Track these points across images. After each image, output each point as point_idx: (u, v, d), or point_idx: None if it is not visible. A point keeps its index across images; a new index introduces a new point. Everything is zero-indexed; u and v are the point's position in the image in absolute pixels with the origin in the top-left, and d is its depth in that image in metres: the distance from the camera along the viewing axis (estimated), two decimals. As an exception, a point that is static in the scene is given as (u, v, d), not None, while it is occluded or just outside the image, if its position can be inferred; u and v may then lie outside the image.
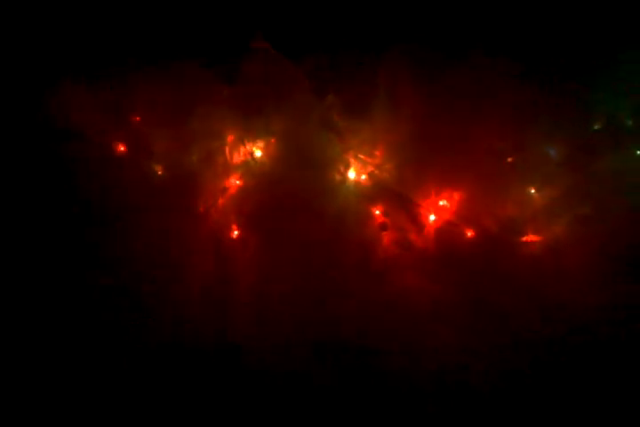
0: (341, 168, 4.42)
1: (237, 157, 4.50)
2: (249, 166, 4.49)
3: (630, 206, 4.01)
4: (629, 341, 3.93)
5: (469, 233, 4.22)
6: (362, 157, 4.45)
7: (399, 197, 4.29)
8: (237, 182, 4.47)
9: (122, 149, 4.53)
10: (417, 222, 4.20)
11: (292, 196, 4.24)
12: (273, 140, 4.48)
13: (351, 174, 4.44)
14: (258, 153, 4.56)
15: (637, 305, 3.97)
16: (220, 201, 4.40)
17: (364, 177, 4.44)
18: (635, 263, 4.02)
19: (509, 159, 4.29)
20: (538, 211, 4.16)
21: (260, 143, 4.53)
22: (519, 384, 3.89)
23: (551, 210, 4.12)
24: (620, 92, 4.28)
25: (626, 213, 3.99)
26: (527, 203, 4.17)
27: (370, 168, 4.43)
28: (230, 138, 4.50)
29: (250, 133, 4.51)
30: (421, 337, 4.00)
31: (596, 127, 4.23)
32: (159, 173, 4.44)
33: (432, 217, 4.27)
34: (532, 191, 4.23)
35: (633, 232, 3.99)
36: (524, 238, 4.17)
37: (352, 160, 4.45)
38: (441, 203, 4.30)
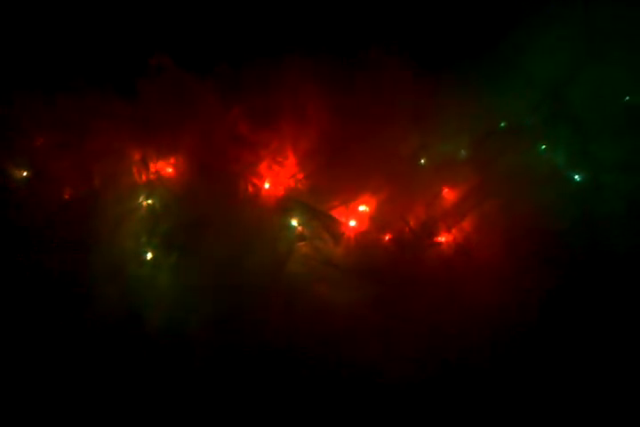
0: (255, 180, 4.34)
1: (145, 176, 4.36)
2: (159, 184, 4.35)
3: (535, 203, 4.07)
4: (543, 338, 4.01)
5: (387, 237, 4.20)
6: (275, 167, 4.38)
7: (315, 206, 4.21)
8: (148, 202, 4.34)
9: (21, 172, 4.36)
10: (334, 231, 4.14)
11: (206, 211, 4.15)
12: (182, 156, 4.38)
13: (266, 186, 4.36)
14: (168, 170, 4.43)
15: (548, 301, 4.04)
16: (129, 222, 4.26)
17: (278, 187, 4.35)
18: (543, 259, 4.08)
19: (417, 161, 4.32)
20: (448, 211, 4.20)
21: (170, 160, 4.41)
22: (438, 387, 3.95)
23: (460, 210, 4.17)
24: (518, 91, 4.36)
25: (531, 210, 4.05)
26: (437, 204, 4.20)
27: (284, 178, 4.36)
28: (136, 156, 4.37)
29: (157, 151, 4.39)
30: (340, 345, 3.99)
31: (497, 126, 4.28)
32: (61, 196, 4.32)
33: (350, 224, 4.23)
34: (443, 192, 4.25)
35: (539, 229, 4.06)
36: (437, 239, 4.19)
37: (265, 171, 4.38)
38: (357, 209, 4.26)
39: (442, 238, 4.21)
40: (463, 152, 4.30)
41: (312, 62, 4.35)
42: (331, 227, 4.11)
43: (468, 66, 4.42)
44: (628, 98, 4.46)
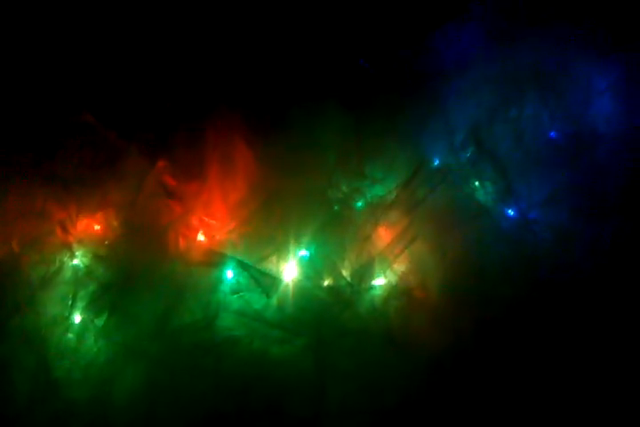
0: (186, 233, 4.24)
1: (70, 236, 4.21)
2: (85, 243, 4.23)
3: (466, 240, 4.12)
4: (483, 378, 4.00)
5: (323, 283, 4.15)
6: (206, 219, 4.30)
7: (247, 257, 4.13)
8: (73, 263, 4.20)
9: None
10: (265, 283, 4.05)
11: (135, 269, 4.04)
12: (108, 213, 4.27)
13: (198, 238, 4.28)
14: (95, 228, 4.31)
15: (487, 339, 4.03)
16: (53, 285, 4.10)
17: (209, 240, 4.26)
18: (480, 296, 4.08)
19: (345, 205, 4.31)
20: (383, 253, 4.18)
21: (96, 217, 4.30)
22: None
23: (393, 251, 4.16)
24: (442, 132, 4.46)
25: (462, 248, 4.10)
26: (371, 246, 4.18)
27: (215, 230, 4.28)
28: (62, 215, 4.23)
29: (82, 209, 4.28)
30: (274, 400, 3.91)
31: (423, 167, 4.31)
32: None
33: (285, 273, 4.17)
34: (377, 234, 4.24)
35: (469, 264, 4.08)
36: (373, 282, 4.16)
37: (195, 224, 4.29)
38: (292, 257, 4.20)
39: (377, 281, 4.16)
40: (393, 193, 4.29)
41: (239, 113, 4.35)
42: (262, 279, 4.02)
43: (391, 109, 4.51)
44: (551, 135, 4.60)
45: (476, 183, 4.45)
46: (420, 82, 4.65)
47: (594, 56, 4.61)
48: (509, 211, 4.44)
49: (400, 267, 4.18)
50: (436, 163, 4.43)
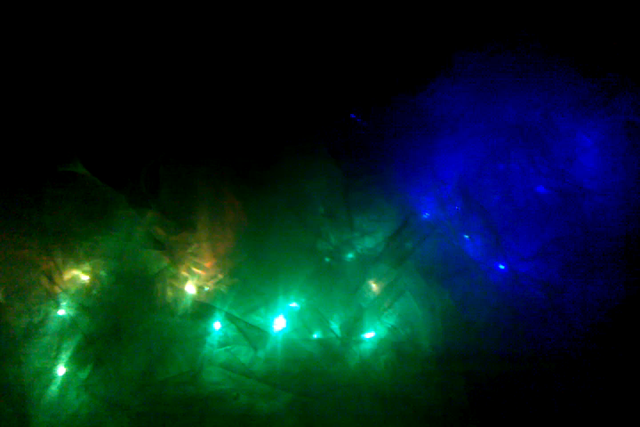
0: (175, 283, 4.19)
1: (56, 286, 4.11)
2: (72, 294, 4.13)
3: (454, 294, 4.17)
4: None
5: (313, 336, 4.11)
6: (195, 270, 4.26)
7: (235, 309, 4.10)
8: (59, 313, 4.08)
9: None
10: (253, 337, 3.99)
11: (122, 320, 3.96)
12: (96, 263, 4.19)
13: (188, 289, 4.23)
14: (82, 278, 4.21)
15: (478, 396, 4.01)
16: (37, 337, 3.95)
17: (196, 291, 4.22)
18: (467, 350, 4.07)
19: (335, 257, 4.33)
20: (371, 306, 4.17)
21: (83, 267, 4.21)
22: None
23: (380, 304, 4.16)
24: (429, 187, 4.61)
25: (450, 301, 4.15)
26: (360, 300, 4.17)
27: (203, 282, 4.25)
28: (48, 265, 4.12)
29: (69, 259, 4.19)
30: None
31: (411, 221, 4.36)
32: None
33: (274, 325, 4.13)
34: (363, 287, 4.23)
35: (458, 318, 4.12)
36: (364, 335, 4.14)
37: (185, 274, 4.26)
38: (282, 309, 4.17)
39: (367, 335, 4.12)
40: (381, 246, 4.30)
41: (228, 165, 4.40)
42: (249, 332, 3.97)
43: (379, 162, 4.59)
44: (538, 189, 4.66)
45: (465, 236, 4.49)
46: (408, 136, 4.74)
47: (580, 113, 4.73)
48: (499, 265, 4.46)
49: (389, 320, 4.16)
50: (425, 216, 4.47)
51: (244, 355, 3.99)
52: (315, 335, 4.12)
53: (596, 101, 4.74)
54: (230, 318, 4.03)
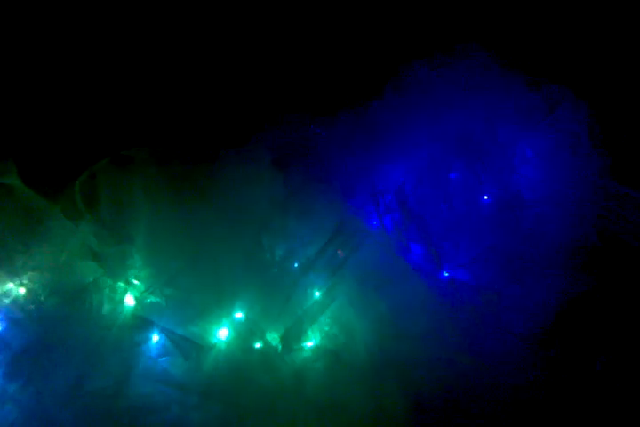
0: (113, 296, 4.15)
1: None
2: (6, 306, 4.08)
3: (391, 301, 4.17)
4: None
5: (253, 345, 4.08)
6: (132, 281, 4.23)
7: (174, 320, 4.07)
8: None
9: None
10: (185, 349, 3.97)
11: (56, 333, 3.91)
12: (31, 275, 4.14)
13: (127, 300, 4.18)
14: (18, 290, 4.14)
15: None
16: None
17: (134, 302, 4.17)
18: (402, 357, 4.07)
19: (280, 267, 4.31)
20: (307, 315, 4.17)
21: (18, 280, 4.14)
22: None
23: (312, 314, 4.16)
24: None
25: (386, 308, 4.15)
26: (297, 309, 4.17)
27: (140, 292, 4.20)
28: None
29: (2, 272, 4.13)
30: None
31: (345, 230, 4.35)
32: None
33: (215, 337, 4.11)
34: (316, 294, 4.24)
35: (394, 325, 4.12)
36: (304, 344, 4.15)
37: (122, 285, 4.21)
38: (226, 320, 4.16)
39: (306, 343, 4.14)
40: (320, 254, 4.31)
41: (167, 172, 4.38)
42: (182, 344, 3.94)
43: (319, 173, 4.61)
44: (478, 198, 4.72)
45: (403, 245, 4.53)
46: (351, 145, 4.77)
47: (522, 124, 4.82)
48: (436, 272, 4.50)
49: (329, 328, 4.17)
50: (363, 224, 4.50)
51: (178, 367, 3.96)
52: (253, 345, 4.10)
53: (538, 113, 4.84)
54: (163, 330, 4.00)
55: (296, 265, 4.35)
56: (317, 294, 4.22)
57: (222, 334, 4.12)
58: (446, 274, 4.52)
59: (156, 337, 4.07)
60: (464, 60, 4.88)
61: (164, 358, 4.00)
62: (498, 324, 4.41)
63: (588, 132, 4.70)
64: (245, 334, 4.11)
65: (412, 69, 4.91)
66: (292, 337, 4.11)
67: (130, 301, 4.20)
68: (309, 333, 4.16)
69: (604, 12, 5.31)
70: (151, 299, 4.18)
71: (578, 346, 4.47)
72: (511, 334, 4.41)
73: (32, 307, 4.09)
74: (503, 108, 4.83)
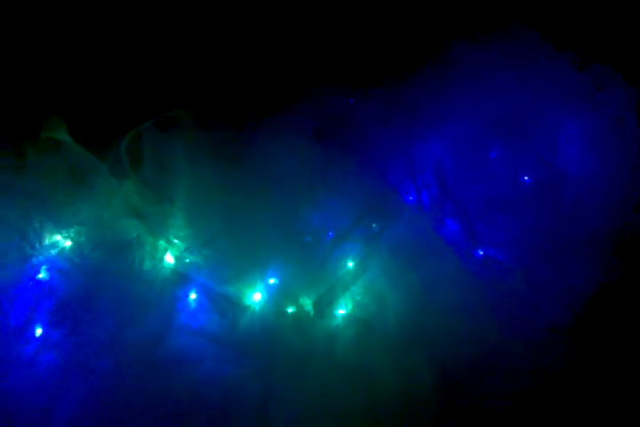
0: (154, 253, 4.26)
1: (37, 250, 4.20)
2: (52, 258, 4.21)
3: (425, 276, 4.19)
4: None
5: (290, 310, 4.20)
6: (173, 240, 4.33)
7: (218, 280, 4.20)
8: (38, 277, 4.18)
9: None
10: (222, 307, 4.11)
11: (98, 285, 4.04)
12: (76, 229, 4.27)
13: (164, 257, 4.30)
14: (63, 243, 4.29)
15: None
16: (15, 298, 4.08)
17: (175, 259, 4.29)
18: (431, 332, 4.12)
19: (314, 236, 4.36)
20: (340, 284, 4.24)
21: (64, 233, 4.29)
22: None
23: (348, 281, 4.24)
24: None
25: (420, 283, 4.17)
26: (325, 276, 4.24)
27: (180, 251, 4.30)
28: (27, 229, 4.20)
29: (51, 224, 4.27)
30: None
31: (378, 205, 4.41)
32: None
33: (248, 296, 4.22)
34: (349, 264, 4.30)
35: (426, 299, 4.13)
36: (336, 311, 4.23)
37: (162, 244, 4.32)
38: (257, 282, 4.24)
39: (338, 311, 4.22)
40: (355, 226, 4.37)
41: (209, 140, 4.44)
42: (220, 302, 4.08)
43: (358, 146, 4.63)
44: (520, 178, 4.69)
45: (440, 221, 4.55)
46: (391, 121, 4.77)
47: (568, 104, 4.75)
48: (471, 249, 4.52)
49: (362, 298, 4.24)
50: (401, 199, 4.53)
51: (214, 323, 4.09)
52: (289, 310, 4.21)
53: (585, 94, 4.76)
54: (203, 287, 4.14)
55: (331, 235, 4.41)
56: (351, 264, 4.26)
57: (257, 297, 4.21)
58: (481, 253, 4.52)
59: (193, 295, 4.21)
60: (511, 38, 4.82)
61: (199, 315, 4.11)
62: (530, 305, 4.40)
63: (635, 116, 4.62)
64: (279, 297, 4.21)
65: (454, 46, 4.87)
66: (324, 304, 4.20)
67: (170, 259, 4.32)
68: (342, 301, 4.22)
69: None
70: (190, 258, 4.30)
71: (606, 334, 4.44)
72: (543, 316, 4.40)
73: (77, 259, 4.23)
74: (550, 88, 4.76)
